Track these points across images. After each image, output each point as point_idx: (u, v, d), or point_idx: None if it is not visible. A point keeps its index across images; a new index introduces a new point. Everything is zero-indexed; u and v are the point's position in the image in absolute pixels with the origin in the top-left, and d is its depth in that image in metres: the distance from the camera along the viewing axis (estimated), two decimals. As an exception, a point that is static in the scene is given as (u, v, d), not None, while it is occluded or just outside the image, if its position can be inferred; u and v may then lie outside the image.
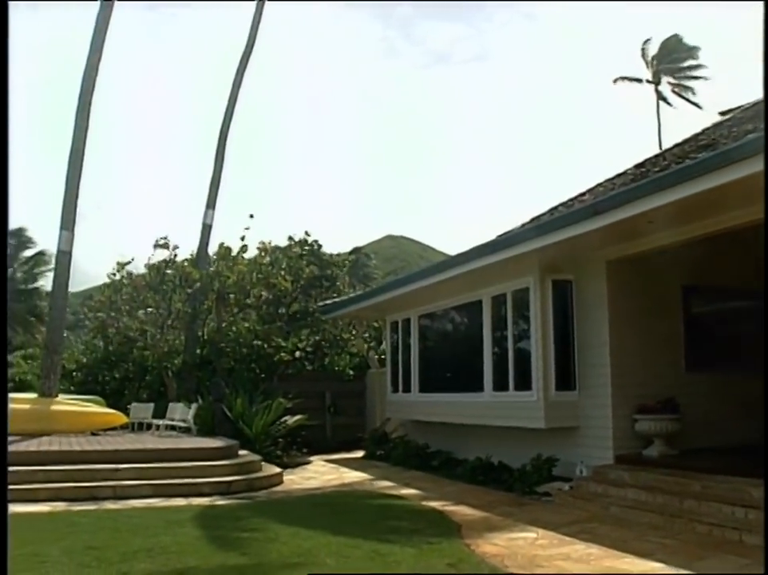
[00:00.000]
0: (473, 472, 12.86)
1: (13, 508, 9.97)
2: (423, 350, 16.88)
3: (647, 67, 61.74)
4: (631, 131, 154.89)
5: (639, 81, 61.55)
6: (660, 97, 61.63)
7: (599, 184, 14.65)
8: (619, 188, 10.94)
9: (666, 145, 22.55)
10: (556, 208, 14.98)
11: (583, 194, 14.71)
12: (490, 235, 14.54)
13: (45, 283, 49.67)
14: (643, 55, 61.66)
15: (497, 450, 13.15)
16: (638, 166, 14.08)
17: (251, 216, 22.76)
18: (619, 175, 14.35)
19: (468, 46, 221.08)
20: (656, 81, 61.55)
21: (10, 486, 10.67)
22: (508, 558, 7.01)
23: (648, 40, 61.39)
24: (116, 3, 18.98)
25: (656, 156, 14.79)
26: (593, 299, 11.88)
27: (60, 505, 10.40)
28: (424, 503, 10.69)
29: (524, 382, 12.54)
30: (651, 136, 62.14)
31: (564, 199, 15.31)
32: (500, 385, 13.24)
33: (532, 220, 14.99)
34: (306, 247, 24.31)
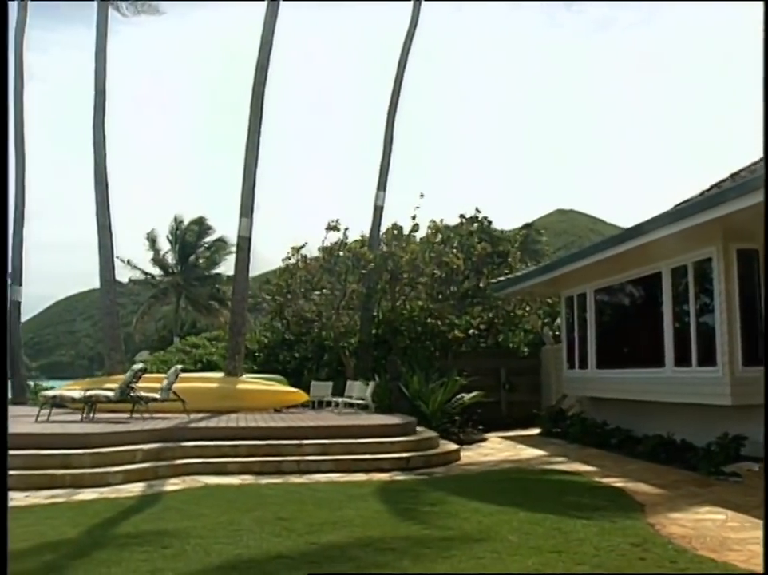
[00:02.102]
0: (654, 450, 12.49)
1: (207, 479, 10.64)
2: (599, 325, 16.53)
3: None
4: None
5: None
6: None
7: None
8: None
9: None
10: (738, 173, 14.26)
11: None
12: (663, 207, 14.05)
13: (225, 268, 51.97)
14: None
15: (678, 427, 12.73)
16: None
17: (422, 196, 22.97)
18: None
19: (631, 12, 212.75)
20: None
21: (204, 459, 11.38)
22: (696, 540, 6.75)
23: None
24: (281, 3, 19.67)
25: None
26: (782, 269, 11.25)
27: (248, 478, 10.90)
28: (604, 481, 10.49)
29: (707, 357, 12.07)
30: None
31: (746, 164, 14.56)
32: (681, 360, 12.80)
33: (712, 187, 14.34)
34: (477, 224, 24.23)
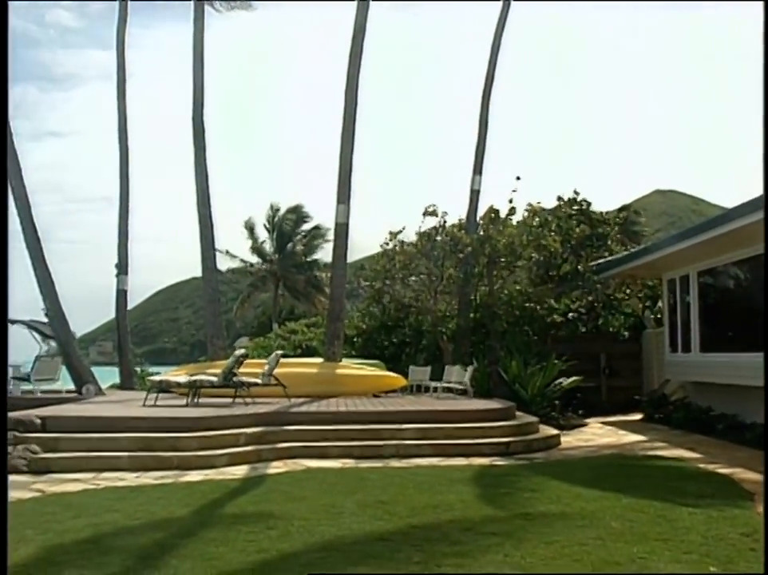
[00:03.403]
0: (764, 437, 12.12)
1: (309, 463, 10.82)
2: (703, 307, 16.10)
3: None
4: None
5: None
6: None
7: None
8: None
9: None
10: None
11: None
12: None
13: (322, 255, 52.45)
14: None
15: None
16: None
17: (518, 179, 22.67)
18: None
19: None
20: None
21: (305, 443, 11.56)
22: (810, 531, 6.54)
23: None
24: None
25: None
26: None
27: (349, 462, 11.03)
28: (710, 468, 10.24)
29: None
30: None
31: None
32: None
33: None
34: (576, 207, 23.84)
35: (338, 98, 19.49)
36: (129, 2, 22.63)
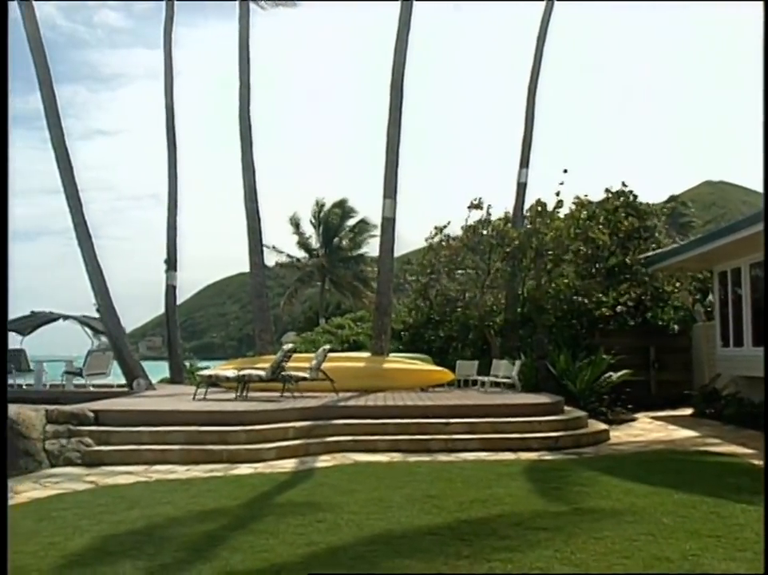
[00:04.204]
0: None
1: (357, 456, 10.86)
2: (755, 301, 15.81)
3: None
4: None
5: None
6: None
7: None
8: None
9: None
10: None
11: None
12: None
13: (368, 249, 52.53)
14: None
15: None
16: None
17: (565, 171, 22.53)
18: None
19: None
20: None
21: (353, 437, 11.61)
22: None
23: None
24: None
25: None
26: None
27: (397, 456, 11.06)
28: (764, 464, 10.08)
29: None
30: None
31: None
32: None
33: None
34: (623, 199, 23.56)
35: (383, 93, 19.51)
36: (176, 2, 22.87)
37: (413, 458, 10.81)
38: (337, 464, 10.40)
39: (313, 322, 48.84)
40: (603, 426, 13.76)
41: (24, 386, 19.29)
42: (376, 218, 19.78)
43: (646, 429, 15.06)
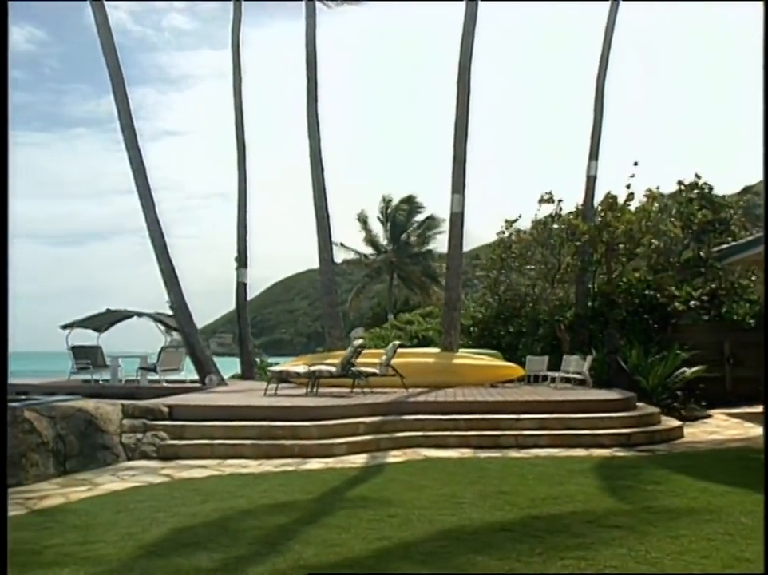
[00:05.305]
0: None
1: (427, 452, 10.87)
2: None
3: None
4: None
5: None
6: None
7: None
8: None
9: None
10: None
11: None
12: None
13: (436, 245, 52.43)
14: None
15: None
16: None
17: (636, 164, 22.19)
18: None
19: None
20: None
21: (423, 433, 11.62)
22: None
23: None
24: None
25: None
26: None
27: (467, 452, 11.04)
28: None
29: None
30: None
31: None
32: None
33: None
34: (696, 191, 23.08)
35: (450, 87, 19.46)
36: (243, 2, 23.16)
37: (483, 454, 10.78)
38: (407, 460, 10.43)
39: (381, 318, 48.98)
40: (677, 423, 13.50)
41: (100, 382, 19.73)
42: (444, 214, 19.70)
43: (721, 426, 14.75)
